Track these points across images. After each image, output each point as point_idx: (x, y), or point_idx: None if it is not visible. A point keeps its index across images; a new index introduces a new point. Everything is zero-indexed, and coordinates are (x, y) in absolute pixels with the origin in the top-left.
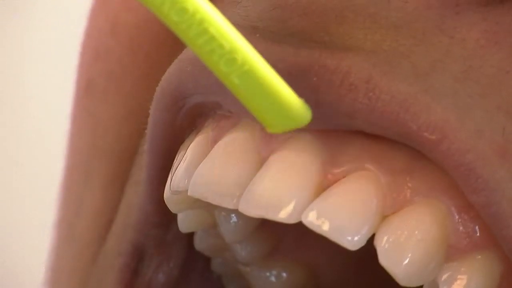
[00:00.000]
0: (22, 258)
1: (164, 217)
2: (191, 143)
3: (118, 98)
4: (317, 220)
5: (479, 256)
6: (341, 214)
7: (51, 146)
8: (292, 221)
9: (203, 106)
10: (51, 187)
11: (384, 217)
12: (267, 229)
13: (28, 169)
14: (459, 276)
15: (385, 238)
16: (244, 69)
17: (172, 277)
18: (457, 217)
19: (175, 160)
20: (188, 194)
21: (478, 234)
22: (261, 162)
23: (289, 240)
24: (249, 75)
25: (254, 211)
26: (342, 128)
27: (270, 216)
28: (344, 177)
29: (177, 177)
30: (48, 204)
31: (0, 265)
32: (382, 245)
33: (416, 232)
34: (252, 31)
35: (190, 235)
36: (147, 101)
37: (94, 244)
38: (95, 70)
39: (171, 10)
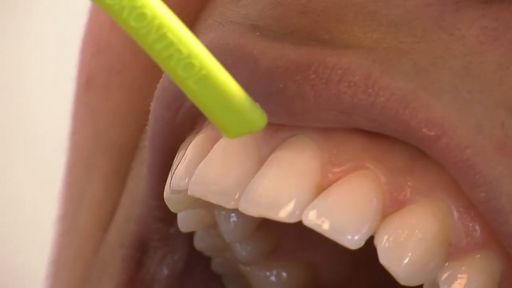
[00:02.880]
0: (25, 252)
1: (167, 212)
2: (191, 142)
3: (119, 94)
4: (318, 219)
5: (480, 255)
6: (342, 213)
7: (53, 141)
8: (292, 220)
9: None
10: (53, 181)
11: (384, 216)
12: (267, 228)
13: (30, 164)
14: (459, 275)
15: (386, 237)
16: (201, 74)
17: (177, 270)
18: (457, 216)
19: (175, 159)
20: (188, 193)
21: (478, 233)
22: (261, 161)
23: (289, 240)
24: (206, 80)
25: (254, 210)
26: (340, 126)
27: (270, 215)
28: (344, 176)
29: (177, 176)
30: (50, 199)
31: (2, 260)
32: (383, 244)
33: (417, 231)
34: (252, 29)
35: None
36: (147, 96)
37: (95, 236)
38: (95, 66)
39: (130, 16)
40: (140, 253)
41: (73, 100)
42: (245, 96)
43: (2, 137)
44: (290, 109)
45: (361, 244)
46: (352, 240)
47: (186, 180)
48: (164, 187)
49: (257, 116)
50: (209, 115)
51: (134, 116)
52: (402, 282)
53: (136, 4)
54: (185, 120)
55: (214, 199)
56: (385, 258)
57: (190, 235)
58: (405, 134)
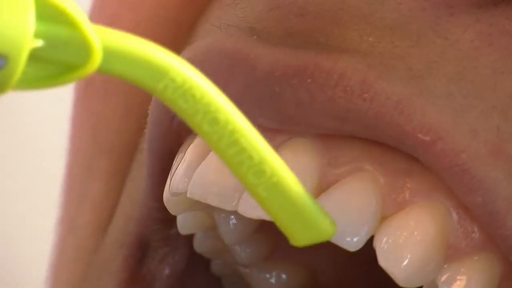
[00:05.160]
0: (25, 255)
1: (167, 213)
2: (190, 144)
3: (118, 97)
4: None
5: (479, 257)
6: (341, 215)
7: (53, 144)
8: None
9: None
10: (53, 184)
11: (383, 218)
12: (266, 230)
13: (30, 167)
14: (458, 277)
15: (385, 239)
16: (272, 181)
17: (178, 270)
18: (456, 217)
19: (174, 162)
20: (188, 195)
21: (477, 235)
22: None
23: (289, 242)
24: (277, 187)
25: (254, 212)
26: (335, 133)
27: (269, 217)
28: (343, 178)
29: (176, 178)
30: (51, 202)
31: (2, 262)
32: (382, 246)
33: (416, 233)
34: (250, 33)
35: None
36: (146, 99)
37: (95, 237)
38: None
39: (203, 120)
40: (140, 252)
41: (72, 104)
42: (315, 204)
43: (2, 140)
44: (286, 113)
45: (360, 246)
46: (351, 242)
47: (186, 182)
48: (163, 189)
49: (327, 225)
50: (278, 222)
51: (132, 120)
52: (401, 284)
53: (210, 108)
54: (183, 123)
55: (214, 201)
56: (384, 259)
57: (191, 237)
58: (399, 140)
